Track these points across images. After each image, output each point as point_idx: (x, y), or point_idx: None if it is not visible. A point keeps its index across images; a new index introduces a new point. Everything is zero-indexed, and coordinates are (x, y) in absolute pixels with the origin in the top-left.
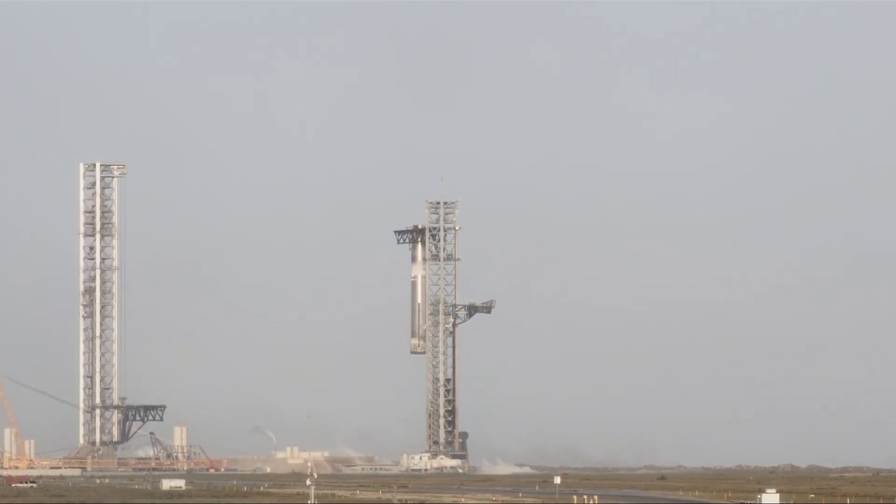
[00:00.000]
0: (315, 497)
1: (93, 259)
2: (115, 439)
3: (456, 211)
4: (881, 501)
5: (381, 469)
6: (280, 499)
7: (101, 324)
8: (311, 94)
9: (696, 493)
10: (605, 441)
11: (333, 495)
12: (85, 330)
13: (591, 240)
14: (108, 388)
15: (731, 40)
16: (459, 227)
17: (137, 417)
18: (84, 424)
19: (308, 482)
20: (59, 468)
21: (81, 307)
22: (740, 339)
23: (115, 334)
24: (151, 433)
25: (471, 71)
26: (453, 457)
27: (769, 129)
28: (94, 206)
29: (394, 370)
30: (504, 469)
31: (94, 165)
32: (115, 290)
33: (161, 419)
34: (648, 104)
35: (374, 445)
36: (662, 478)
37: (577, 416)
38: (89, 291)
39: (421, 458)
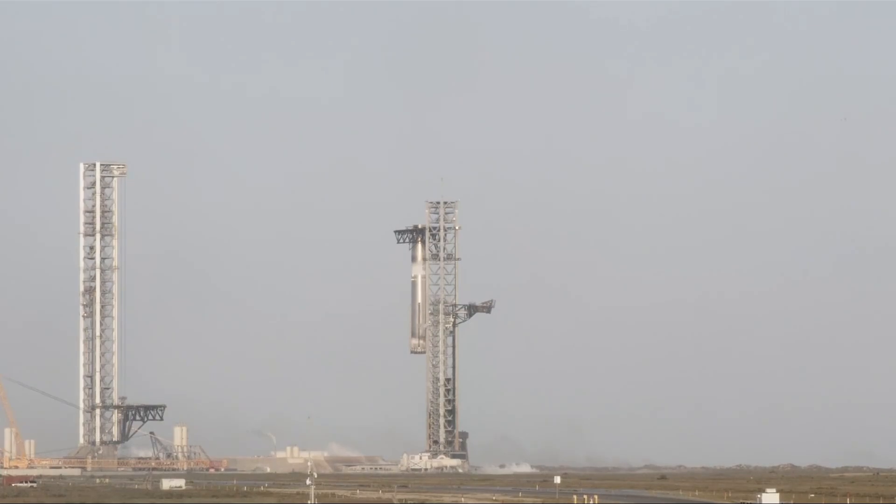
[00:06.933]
0: (315, 497)
1: (93, 259)
2: (115, 439)
3: (456, 211)
4: (881, 501)
5: (381, 469)
6: (280, 499)
7: (101, 324)
8: (310, 93)
9: (696, 492)
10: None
11: (333, 495)
12: (85, 330)
13: (592, 239)
14: (108, 388)
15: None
16: (459, 227)
17: (137, 417)
18: (84, 424)
19: (308, 482)
20: (59, 468)
21: (81, 307)
22: (740, 338)
23: (115, 334)
24: (151, 433)
25: (471, 70)
26: (453, 457)
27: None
28: (94, 205)
29: (394, 370)
30: (504, 468)
31: (94, 165)
32: (115, 290)
33: (161, 419)
34: (649, 101)
35: (374, 445)
36: (662, 478)
37: (578, 416)
38: (89, 291)
39: (421, 458)
